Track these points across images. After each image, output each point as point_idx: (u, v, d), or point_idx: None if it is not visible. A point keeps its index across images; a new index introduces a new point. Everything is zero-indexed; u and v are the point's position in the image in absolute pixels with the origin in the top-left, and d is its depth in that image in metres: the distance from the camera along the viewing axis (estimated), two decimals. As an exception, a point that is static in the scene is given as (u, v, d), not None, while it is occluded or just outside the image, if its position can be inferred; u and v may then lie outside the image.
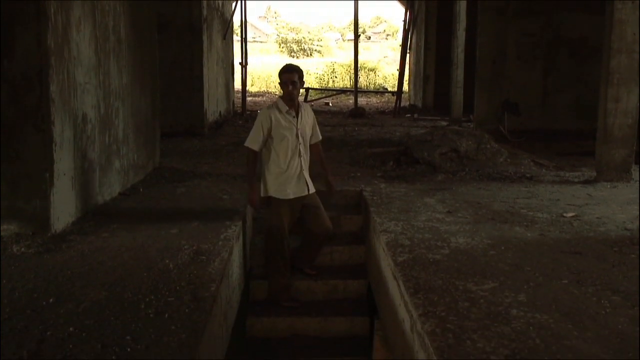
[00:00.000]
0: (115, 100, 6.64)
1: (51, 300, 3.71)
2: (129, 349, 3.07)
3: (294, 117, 5.48)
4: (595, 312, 3.59)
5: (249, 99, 20.96)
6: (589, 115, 10.37)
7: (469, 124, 14.07)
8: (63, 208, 5.24)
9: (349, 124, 15.20)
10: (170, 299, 3.74)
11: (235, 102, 18.07)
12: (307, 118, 5.66)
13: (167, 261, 4.46)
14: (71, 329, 3.31)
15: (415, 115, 17.43)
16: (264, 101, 23.26)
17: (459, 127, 12.73)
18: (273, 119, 5.42)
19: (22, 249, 4.69)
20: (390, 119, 17.09)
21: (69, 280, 4.08)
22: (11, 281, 4.04)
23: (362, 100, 22.30)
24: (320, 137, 5.91)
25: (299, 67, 5.59)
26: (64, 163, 5.23)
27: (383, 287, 4.94)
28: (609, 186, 7.53)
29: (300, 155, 5.52)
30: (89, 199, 5.84)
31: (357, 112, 17.65)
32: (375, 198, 6.65)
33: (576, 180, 8.01)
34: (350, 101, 21.52)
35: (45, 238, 4.92)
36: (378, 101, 24.08)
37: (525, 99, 12.75)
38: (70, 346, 3.10)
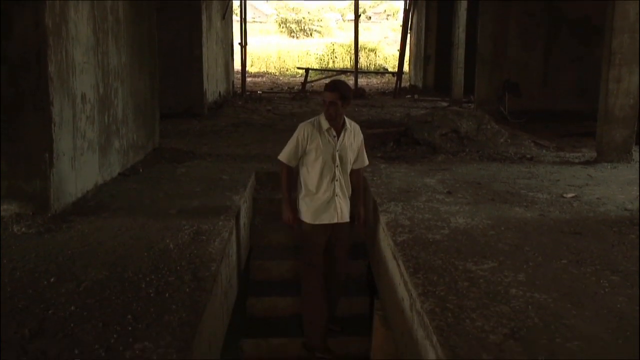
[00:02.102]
0: (114, 80, 6.61)
1: (52, 279, 3.72)
2: (130, 328, 3.09)
3: (334, 136, 4.99)
4: (594, 291, 3.60)
5: (248, 79, 20.90)
6: (590, 95, 10.33)
7: (470, 104, 14.03)
8: (63, 188, 5.24)
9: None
10: (170, 279, 3.75)
11: (234, 83, 18.00)
12: (353, 140, 5.14)
13: (167, 241, 4.47)
14: (72, 308, 3.32)
15: (416, 96, 17.38)
16: (263, 82, 23.20)
17: (459, 107, 12.71)
18: (311, 135, 4.97)
19: (23, 229, 4.70)
20: (391, 100, 17.03)
21: (70, 260, 4.09)
22: (12, 261, 4.05)
23: (362, 81, 22.24)
24: (366, 163, 5.40)
25: (343, 85, 5.04)
26: (63, 143, 5.22)
27: (383, 266, 4.96)
28: (609, 167, 7.53)
29: (335, 179, 5.02)
30: (89, 179, 5.84)
31: (357, 93, 17.59)
32: (375, 178, 6.65)
33: (576, 160, 8.01)
34: (351, 82, 21.44)
35: (46, 218, 4.92)
36: (378, 82, 24.00)
37: (526, 80, 12.70)
38: (72, 325, 3.12)
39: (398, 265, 4.23)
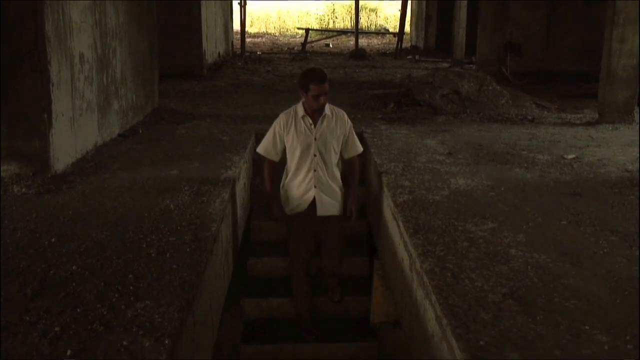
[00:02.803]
0: (112, 39, 6.54)
1: (53, 240, 3.73)
2: (131, 287, 3.10)
3: (310, 124, 4.68)
4: (593, 252, 3.62)
5: (248, 40, 20.70)
6: (593, 56, 10.24)
7: (471, 65, 13.92)
8: (63, 149, 5.23)
9: (349, 66, 15.04)
10: (171, 239, 3.76)
11: (234, 44, 17.83)
12: (335, 128, 4.74)
13: (167, 202, 4.47)
14: (74, 267, 3.34)
15: (417, 57, 17.23)
16: (263, 42, 22.98)
17: (460, 68, 12.61)
18: (286, 124, 4.72)
19: (23, 190, 4.70)
20: (391, 61, 16.90)
21: (71, 220, 4.09)
22: (13, 221, 4.06)
23: (362, 42, 22.02)
24: (360, 150, 4.95)
25: (325, 72, 4.66)
26: (62, 103, 5.18)
27: (383, 227, 4.97)
28: (610, 128, 7.51)
29: (312, 170, 4.73)
30: (88, 140, 5.82)
31: (358, 54, 17.45)
32: (375, 139, 6.63)
33: (578, 122, 7.98)
34: (351, 42, 21.26)
35: (46, 178, 4.92)
36: (379, 42, 23.77)
37: (529, 40, 12.59)
38: (73, 284, 3.13)
39: (398, 225, 4.24)
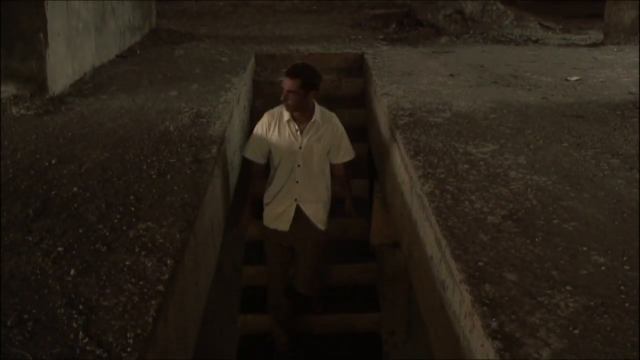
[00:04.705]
0: (107, -44, 6.35)
1: (53, 161, 3.73)
2: (132, 208, 3.12)
3: (296, 130, 4.13)
4: (593, 174, 3.62)
5: (246, -43, 20.10)
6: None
7: (476, -16, 13.56)
8: (60, 69, 5.15)
9: (350, -16, 14.67)
10: (172, 161, 3.76)
11: (232, -39, 17.33)
12: (326, 136, 4.19)
13: (167, 123, 4.45)
14: (75, 189, 3.35)
15: (420, -25, 16.77)
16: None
17: (464, -13, 12.30)
18: (269, 126, 4.18)
19: (22, 111, 4.67)
20: (394, -21, 16.46)
21: (70, 141, 4.08)
22: (12, 142, 4.04)
23: (364, -41, 21.39)
24: (352, 156, 4.38)
25: (307, 69, 4.03)
26: (57, 23, 5.07)
27: (383, 149, 4.96)
28: (615, 49, 7.39)
29: (295, 182, 4.22)
30: (85, 61, 5.73)
31: (360, -28, 16.97)
32: (377, 61, 6.53)
33: (582, 43, 7.85)
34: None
35: (44, 100, 4.88)
36: (381, -40, 23.10)
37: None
38: (75, 205, 3.15)
39: (398, 147, 4.23)
